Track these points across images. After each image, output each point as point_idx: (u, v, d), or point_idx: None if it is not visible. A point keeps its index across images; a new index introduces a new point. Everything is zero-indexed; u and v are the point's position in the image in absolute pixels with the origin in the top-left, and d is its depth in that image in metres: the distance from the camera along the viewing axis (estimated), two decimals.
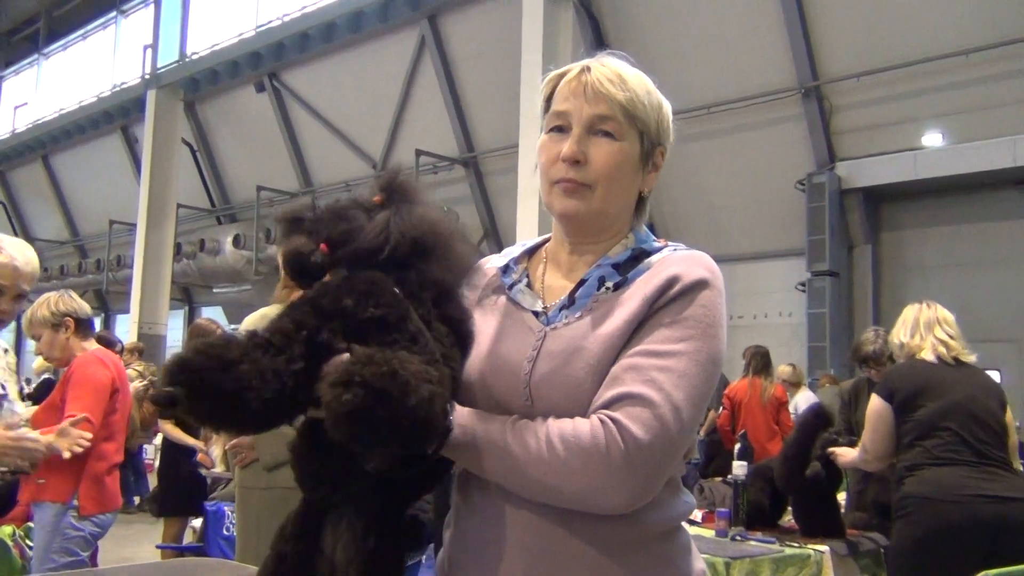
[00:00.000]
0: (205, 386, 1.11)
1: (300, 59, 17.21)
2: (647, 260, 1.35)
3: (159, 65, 18.69)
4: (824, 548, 3.55)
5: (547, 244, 1.50)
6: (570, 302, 1.35)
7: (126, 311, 18.70)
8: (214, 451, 4.96)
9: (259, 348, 1.16)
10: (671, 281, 1.28)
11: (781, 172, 12.15)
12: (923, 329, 3.43)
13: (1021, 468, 3.38)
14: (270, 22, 17.19)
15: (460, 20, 15.31)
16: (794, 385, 9.60)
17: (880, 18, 11.63)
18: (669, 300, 1.27)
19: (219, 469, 4.96)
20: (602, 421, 1.20)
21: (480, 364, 1.35)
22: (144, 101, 18.23)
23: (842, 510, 4.01)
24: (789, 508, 4.00)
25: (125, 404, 3.77)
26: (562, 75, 1.40)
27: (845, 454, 3.71)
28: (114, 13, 22.38)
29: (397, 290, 1.25)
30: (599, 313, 1.31)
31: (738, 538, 3.65)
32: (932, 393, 3.28)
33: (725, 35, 12.59)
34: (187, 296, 22.92)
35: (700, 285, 1.28)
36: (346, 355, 1.15)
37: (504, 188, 14.81)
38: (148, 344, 13.87)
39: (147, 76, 18.81)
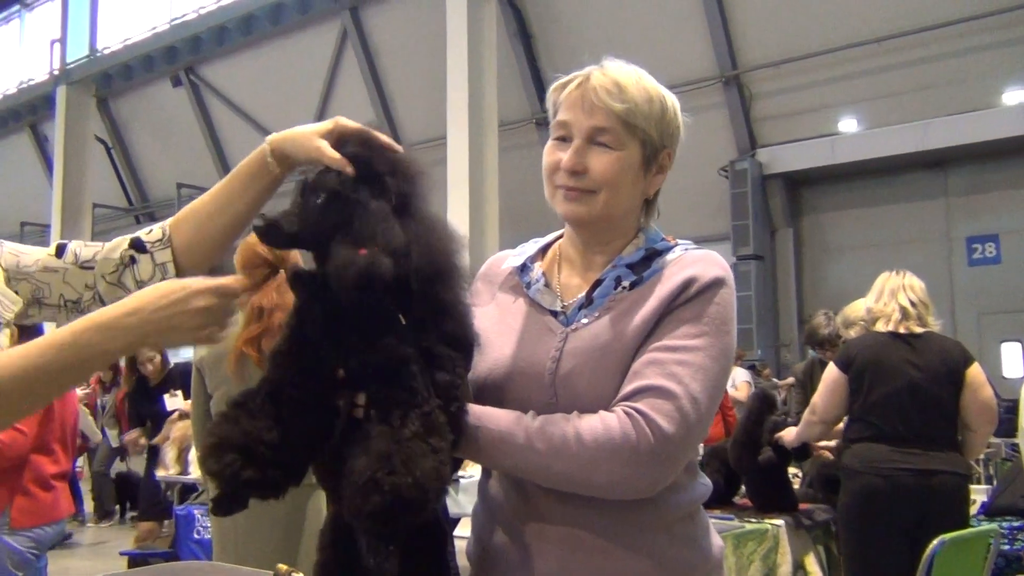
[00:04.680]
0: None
1: (218, 52, 16.88)
2: (660, 260, 1.41)
3: (68, 60, 18.10)
4: (780, 522, 3.70)
5: (559, 242, 1.53)
6: (588, 301, 1.41)
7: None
8: (168, 454, 4.91)
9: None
10: (689, 282, 1.35)
11: (704, 160, 12.45)
12: (887, 295, 3.57)
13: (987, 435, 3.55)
14: (185, 15, 16.80)
15: (383, 11, 15.21)
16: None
17: (796, 7, 11.99)
18: (687, 299, 1.34)
19: (173, 472, 4.93)
20: (628, 414, 1.27)
21: (504, 366, 1.40)
22: (54, 98, 17.64)
23: (795, 486, 4.19)
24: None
25: (66, 413, 3.58)
26: (566, 84, 1.42)
27: (789, 434, 3.89)
28: (17, 7, 21.52)
29: (401, 318, 1.24)
30: (617, 312, 1.37)
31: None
32: (882, 373, 3.44)
33: (646, 25, 12.82)
34: None
35: (716, 284, 1.35)
36: (360, 451, 1.16)
37: (433, 180, 14.72)
38: None
39: (56, 72, 18.21)
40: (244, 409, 1.18)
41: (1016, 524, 4.42)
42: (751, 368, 10.81)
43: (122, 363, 6.86)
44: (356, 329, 1.20)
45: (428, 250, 1.24)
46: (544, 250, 1.54)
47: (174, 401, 5.21)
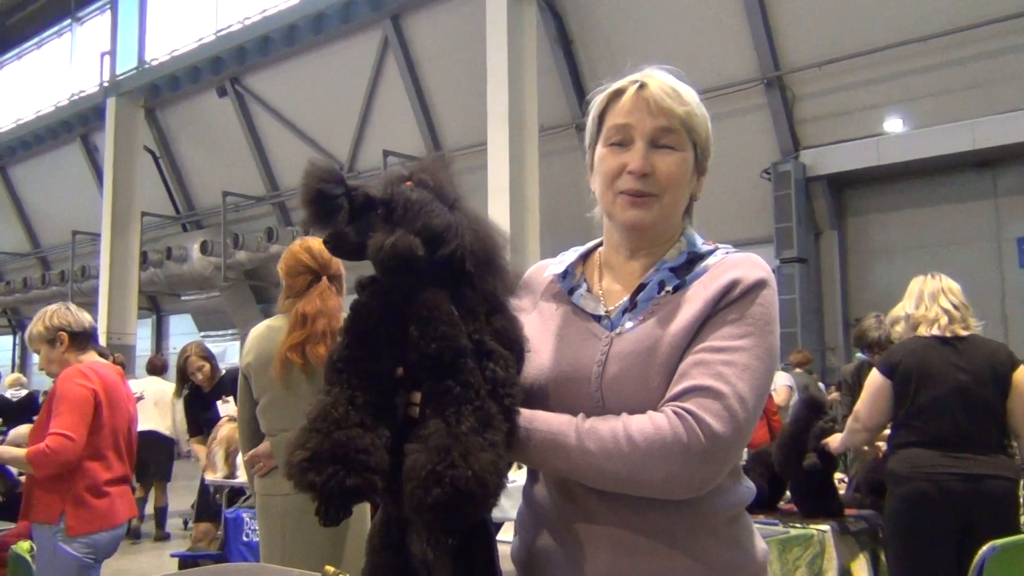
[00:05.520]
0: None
1: (262, 63, 17.10)
2: (703, 263, 1.43)
3: (118, 72, 18.46)
4: (826, 527, 3.67)
5: (599, 249, 1.56)
6: (632, 305, 1.42)
7: None
8: (217, 455, 5.00)
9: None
10: (733, 284, 1.37)
11: (747, 162, 12.34)
12: (928, 300, 3.52)
13: None
14: (230, 26, 17.06)
15: (423, 19, 15.32)
16: None
17: (839, 7, 11.85)
18: (731, 301, 1.36)
19: (221, 474, 5.01)
20: (677, 413, 1.28)
21: (550, 372, 1.42)
22: (103, 109, 17.99)
23: (841, 491, 4.15)
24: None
25: (118, 419, 3.63)
26: (616, 92, 1.44)
27: (835, 440, 3.85)
28: (69, 21, 22.06)
29: (454, 308, 1.26)
30: (661, 315, 1.39)
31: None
32: (928, 377, 3.40)
33: (687, 28, 12.75)
34: (154, 304, 22.70)
35: (760, 285, 1.37)
36: (420, 446, 1.19)
37: (473, 186, 14.83)
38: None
39: (106, 84, 18.59)
40: (330, 420, 1.20)
41: None
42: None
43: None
44: (413, 320, 1.23)
45: (479, 236, 1.29)
46: (584, 257, 1.56)
47: (226, 407, 5.32)
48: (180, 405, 6.61)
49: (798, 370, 10.38)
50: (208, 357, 5.65)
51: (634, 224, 1.42)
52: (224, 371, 5.86)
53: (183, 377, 5.60)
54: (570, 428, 1.32)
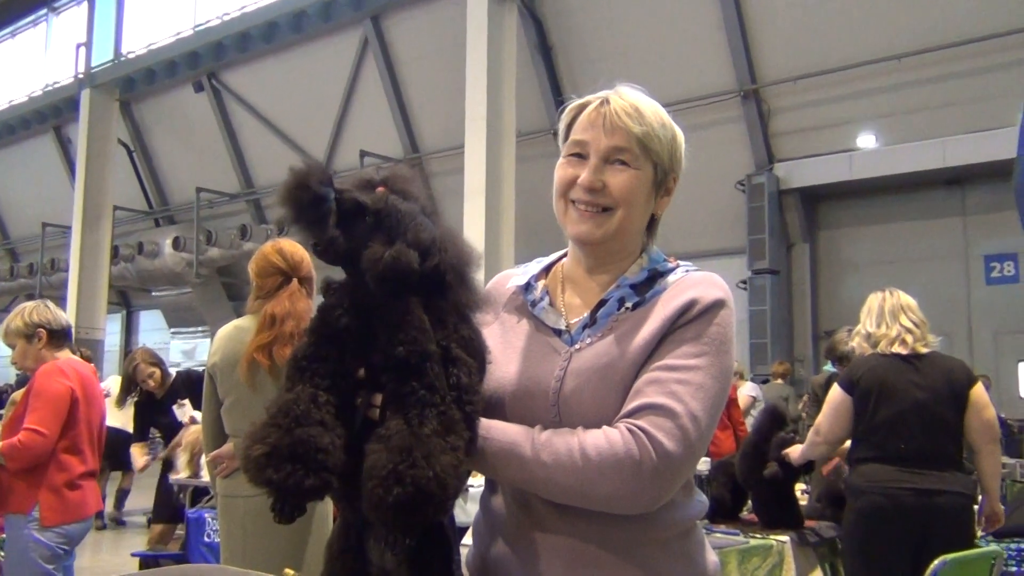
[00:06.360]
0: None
1: (240, 59, 17.01)
2: (663, 281, 1.44)
3: (93, 64, 18.28)
4: (785, 538, 3.72)
5: (563, 261, 1.56)
6: (592, 321, 1.43)
7: None
8: (180, 458, 4.97)
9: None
10: (691, 303, 1.38)
11: (721, 173, 12.43)
12: (888, 318, 3.56)
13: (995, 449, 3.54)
14: (208, 21, 16.95)
15: (404, 20, 15.31)
16: (739, 376, 9.91)
17: (816, 23, 11.98)
18: (689, 320, 1.37)
19: (184, 475, 4.98)
20: (631, 431, 1.29)
21: (508, 384, 1.43)
22: (78, 101, 17.80)
23: (803, 502, 4.20)
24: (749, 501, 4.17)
25: (93, 414, 3.73)
26: (582, 106, 1.47)
27: (795, 451, 3.89)
28: (45, 10, 21.81)
29: (424, 315, 1.28)
30: (620, 332, 1.40)
31: (704, 531, 3.78)
32: (887, 395, 3.46)
33: (666, 39, 12.83)
34: (124, 299, 22.48)
35: (717, 305, 1.38)
36: (381, 446, 1.19)
37: (450, 189, 14.84)
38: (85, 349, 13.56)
39: (81, 75, 18.38)
40: (291, 416, 1.20)
41: None
42: (764, 382, 10.77)
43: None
44: (382, 323, 1.24)
45: (457, 250, 1.32)
46: (548, 269, 1.57)
47: (183, 411, 5.26)
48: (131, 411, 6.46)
49: (779, 381, 10.48)
50: (157, 363, 5.54)
51: (584, 237, 1.44)
52: (174, 374, 5.77)
53: (130, 384, 5.46)
54: (526, 440, 1.33)
